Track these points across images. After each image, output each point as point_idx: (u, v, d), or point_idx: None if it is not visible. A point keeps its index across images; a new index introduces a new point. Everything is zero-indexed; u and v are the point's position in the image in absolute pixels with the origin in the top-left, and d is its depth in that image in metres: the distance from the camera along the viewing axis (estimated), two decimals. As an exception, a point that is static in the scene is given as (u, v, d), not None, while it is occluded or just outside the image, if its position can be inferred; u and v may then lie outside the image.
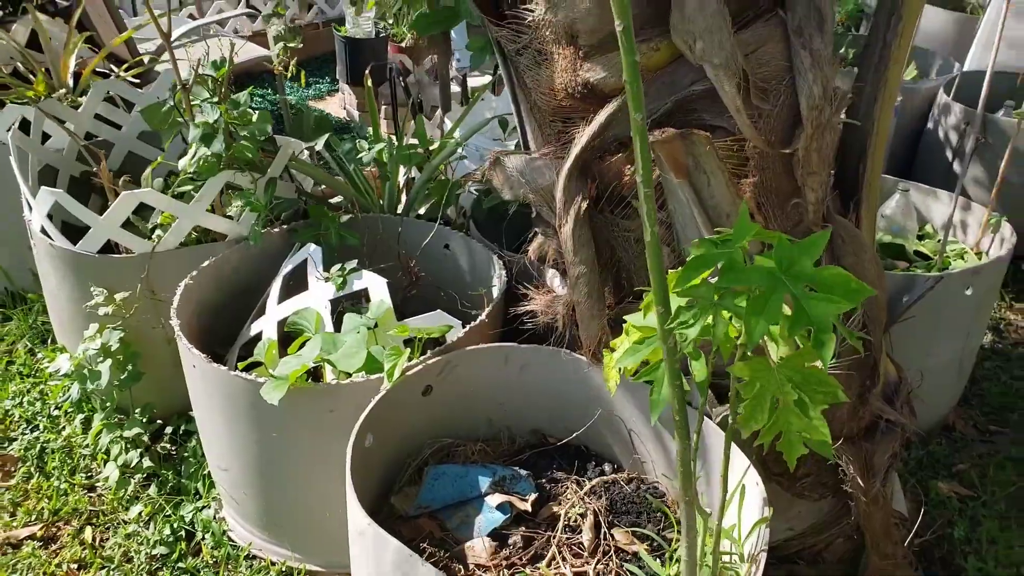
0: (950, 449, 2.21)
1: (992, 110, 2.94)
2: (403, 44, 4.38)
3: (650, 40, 1.19)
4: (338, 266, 1.59)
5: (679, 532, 1.39)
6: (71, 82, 2.38)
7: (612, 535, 1.39)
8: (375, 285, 1.56)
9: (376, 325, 1.52)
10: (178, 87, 1.62)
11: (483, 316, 1.60)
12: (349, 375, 1.46)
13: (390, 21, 4.07)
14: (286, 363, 1.43)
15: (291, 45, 2.57)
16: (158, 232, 1.70)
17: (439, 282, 1.83)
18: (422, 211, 2.19)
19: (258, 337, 1.63)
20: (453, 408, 1.53)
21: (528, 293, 1.54)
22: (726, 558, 1.20)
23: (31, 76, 2.42)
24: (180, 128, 1.76)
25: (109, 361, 1.69)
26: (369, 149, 1.85)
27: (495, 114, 2.61)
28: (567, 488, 1.49)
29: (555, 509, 1.44)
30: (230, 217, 1.78)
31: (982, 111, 2.31)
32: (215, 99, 1.61)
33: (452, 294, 1.77)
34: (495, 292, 1.68)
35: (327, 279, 1.58)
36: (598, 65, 1.22)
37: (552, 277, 1.54)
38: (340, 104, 4.57)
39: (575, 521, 1.42)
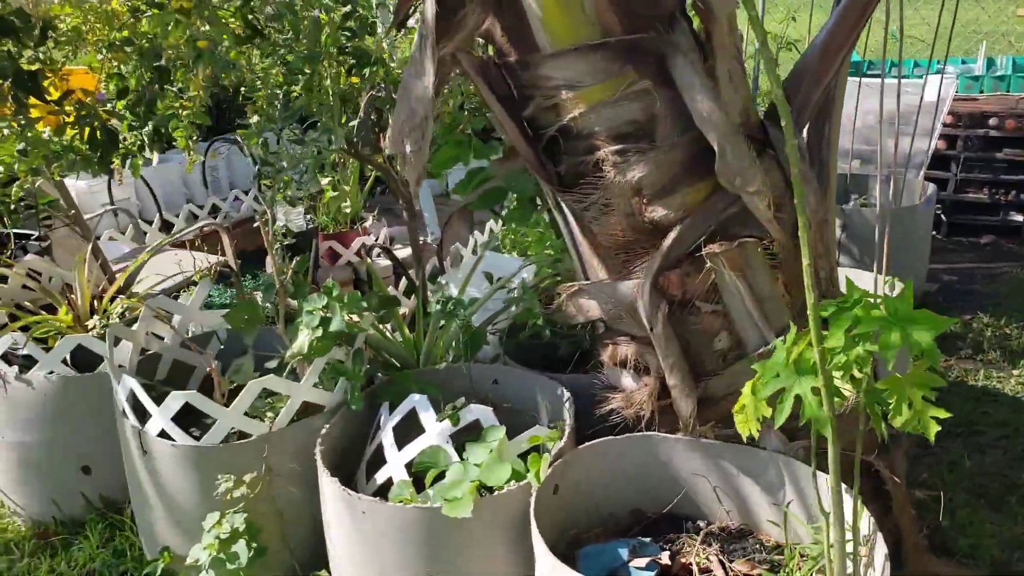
0: (909, 465, 2.72)
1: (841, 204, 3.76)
2: (330, 232, 4.74)
3: (694, 186, 1.67)
4: (451, 405, 1.87)
5: (785, 554, 1.73)
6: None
7: (735, 569, 1.70)
8: (484, 415, 1.85)
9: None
10: (276, 287, 1.88)
11: (571, 422, 1.92)
12: (491, 490, 1.71)
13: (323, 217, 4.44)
14: (442, 489, 1.67)
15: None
16: (269, 414, 1.89)
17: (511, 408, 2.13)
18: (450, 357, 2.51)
19: (383, 487, 1.84)
20: (571, 501, 1.81)
21: (608, 395, 1.89)
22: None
23: (40, 311, 2.55)
24: (261, 325, 2.01)
25: (242, 541, 1.81)
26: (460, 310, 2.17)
27: (477, 271, 3.01)
28: (683, 544, 1.79)
29: (683, 560, 1.73)
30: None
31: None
32: (306, 289, 1.89)
33: (532, 415, 2.07)
34: (567, 405, 2.01)
35: (441, 418, 1.85)
36: (659, 207, 1.67)
37: (623, 377, 1.90)
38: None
39: (703, 565, 1.72)
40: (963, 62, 6.13)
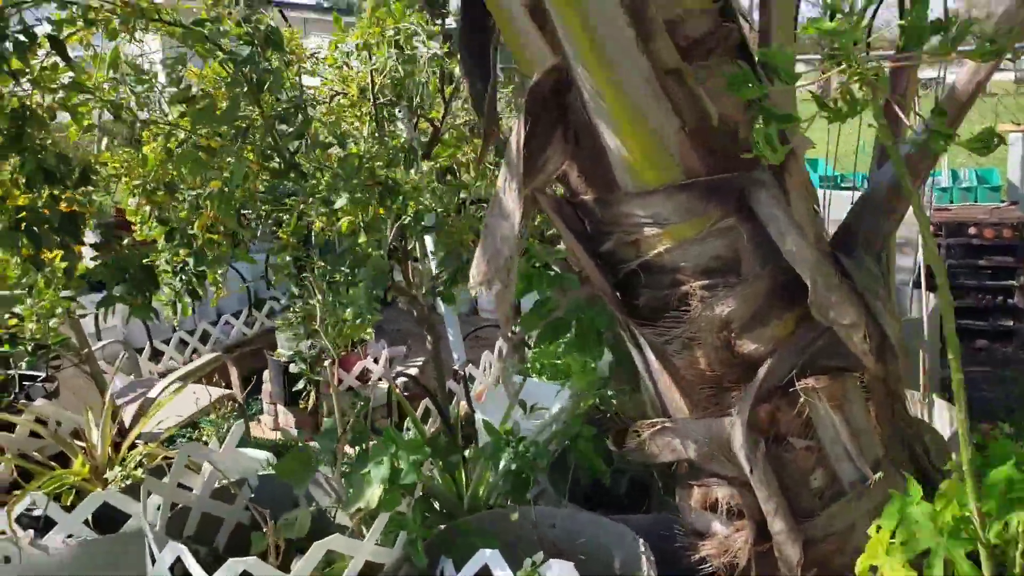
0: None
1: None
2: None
3: (781, 318, 1.63)
4: (530, 560, 1.72)
5: None
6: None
7: None
8: (567, 571, 1.71)
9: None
10: (339, 436, 1.76)
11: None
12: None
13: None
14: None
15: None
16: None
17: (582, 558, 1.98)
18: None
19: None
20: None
21: (697, 542, 1.77)
22: None
23: (50, 462, 2.35)
24: (312, 475, 1.87)
25: None
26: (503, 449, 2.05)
27: (506, 400, 2.91)
28: None
29: None
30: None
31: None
32: (368, 435, 1.77)
33: (604, 564, 1.93)
34: (644, 556, 1.88)
35: (519, 577, 1.70)
36: (749, 340, 1.62)
37: (713, 521, 1.78)
38: (268, 426, 4.58)
39: None
40: (931, 175, 6.43)
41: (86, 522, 2.00)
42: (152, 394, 3.00)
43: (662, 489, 2.22)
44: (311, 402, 2.89)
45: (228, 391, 3.50)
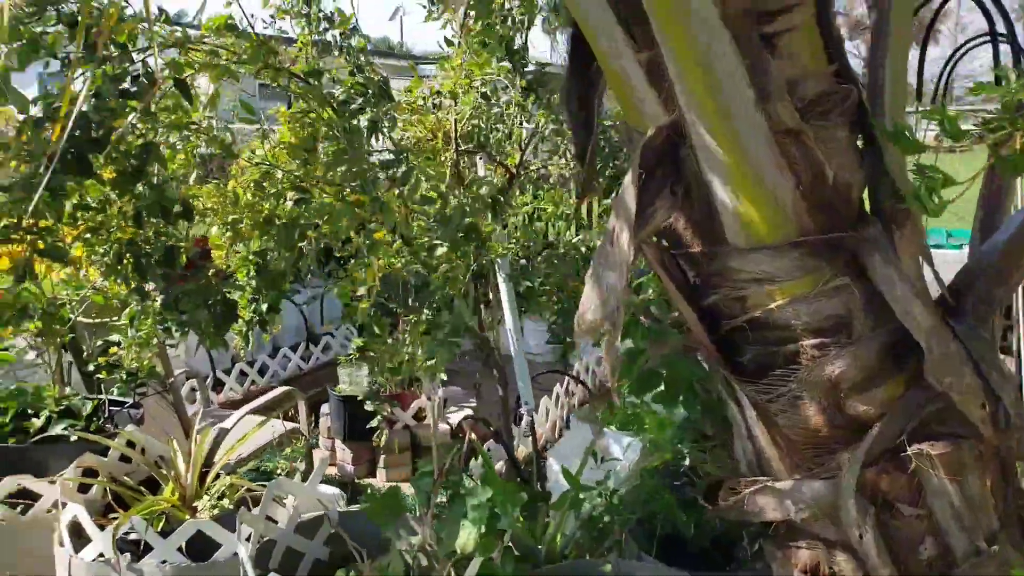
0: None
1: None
2: (387, 393, 4.64)
3: (892, 380, 1.61)
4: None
5: None
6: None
7: None
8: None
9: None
10: (436, 473, 1.77)
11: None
12: None
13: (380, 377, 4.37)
14: None
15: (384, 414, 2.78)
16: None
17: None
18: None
19: None
20: None
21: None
22: None
23: (139, 487, 2.40)
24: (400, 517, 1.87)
25: None
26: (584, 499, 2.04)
27: (575, 448, 2.89)
28: None
29: None
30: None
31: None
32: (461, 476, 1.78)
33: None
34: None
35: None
36: (858, 402, 1.60)
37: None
38: (322, 460, 4.60)
39: None
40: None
41: (179, 549, 2.03)
42: (226, 425, 3.05)
43: (748, 547, 2.17)
44: (383, 439, 2.90)
45: (295, 425, 3.54)
